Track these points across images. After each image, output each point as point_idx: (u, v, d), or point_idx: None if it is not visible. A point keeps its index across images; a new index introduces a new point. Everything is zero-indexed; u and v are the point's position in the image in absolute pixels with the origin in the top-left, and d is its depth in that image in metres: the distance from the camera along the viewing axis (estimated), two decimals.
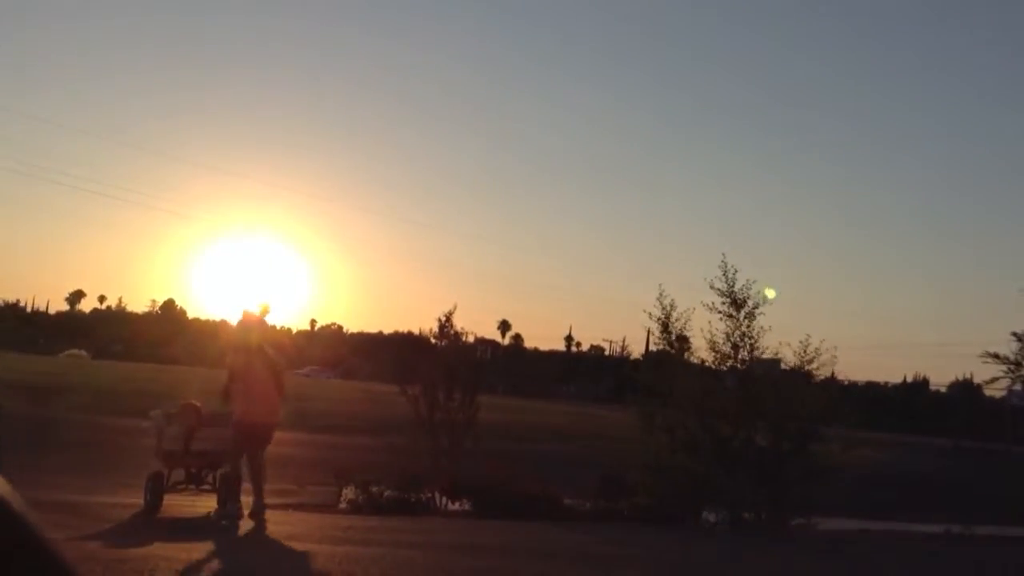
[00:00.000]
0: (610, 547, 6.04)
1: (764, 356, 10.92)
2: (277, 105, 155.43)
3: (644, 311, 11.16)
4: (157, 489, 7.68)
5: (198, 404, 8.44)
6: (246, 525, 7.01)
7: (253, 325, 7.92)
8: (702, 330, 10.90)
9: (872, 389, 72.22)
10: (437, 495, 9.74)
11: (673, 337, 11.14)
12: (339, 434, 18.42)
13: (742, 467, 9.92)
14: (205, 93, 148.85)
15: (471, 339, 12.75)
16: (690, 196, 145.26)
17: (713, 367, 10.96)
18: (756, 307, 10.57)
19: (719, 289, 10.61)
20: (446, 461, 10.29)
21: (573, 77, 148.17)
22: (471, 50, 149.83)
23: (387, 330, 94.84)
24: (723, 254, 10.67)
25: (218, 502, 7.50)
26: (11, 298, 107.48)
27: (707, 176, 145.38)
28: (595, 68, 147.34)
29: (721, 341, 10.64)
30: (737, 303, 10.56)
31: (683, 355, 11.36)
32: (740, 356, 10.64)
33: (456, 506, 9.53)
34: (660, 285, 11.41)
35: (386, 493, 9.50)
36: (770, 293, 10.77)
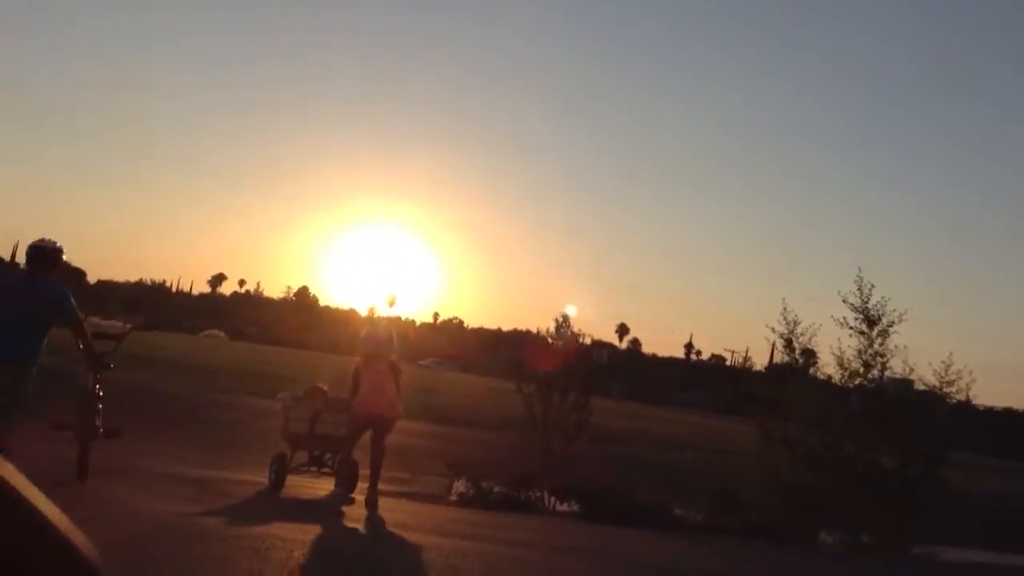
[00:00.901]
0: (718, 562, 5.90)
1: (895, 376, 10.46)
2: (413, 99, 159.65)
3: (767, 325, 10.88)
4: (281, 469, 7.98)
5: (325, 388, 8.73)
6: (358, 511, 7.23)
7: (380, 335, 8.16)
8: (830, 346, 10.55)
9: (1010, 416, 67.68)
10: (546, 495, 9.78)
11: (797, 352, 10.81)
12: (454, 426, 18.73)
13: (864, 489, 9.52)
14: (341, 87, 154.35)
15: (588, 341, 12.70)
16: (822, 206, 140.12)
17: (839, 384, 10.60)
18: (891, 325, 10.16)
19: (852, 304, 10.26)
20: (557, 462, 10.31)
21: (705, 80, 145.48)
22: (604, 52, 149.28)
23: (506, 327, 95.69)
24: (859, 269, 10.31)
25: (335, 483, 7.78)
26: (158, 278, 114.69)
27: (840, 185, 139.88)
28: (727, 72, 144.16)
29: (851, 358, 10.28)
30: (871, 320, 10.22)
31: (808, 370, 11.01)
32: (870, 375, 10.24)
33: (564, 507, 9.53)
34: (784, 299, 11.14)
35: (496, 489, 9.61)
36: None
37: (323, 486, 8.04)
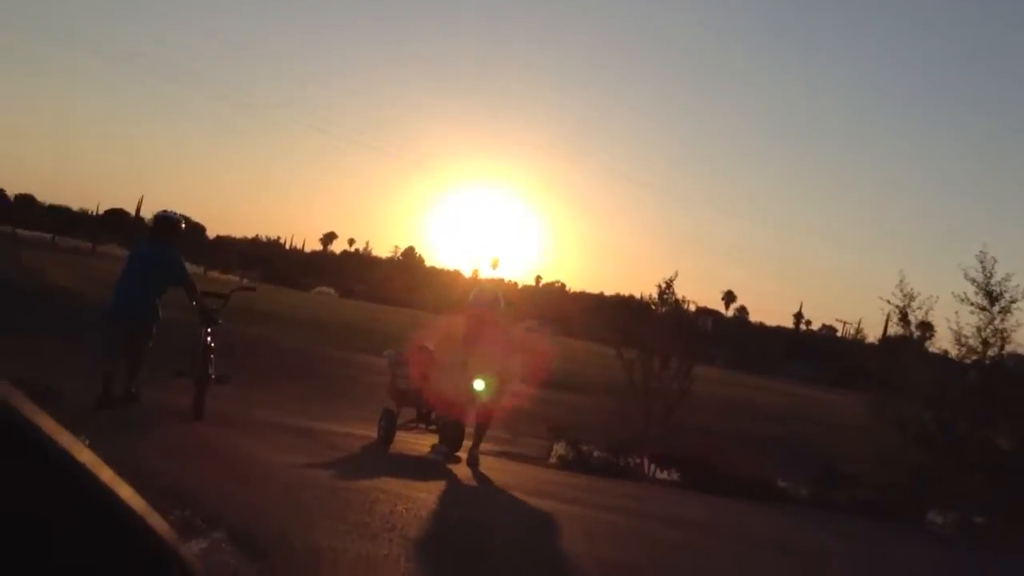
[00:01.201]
0: (820, 539, 5.77)
1: (1016, 351, 10.02)
2: (524, 61, 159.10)
3: (880, 297, 10.49)
4: (390, 425, 8.16)
5: (431, 347, 8.82)
6: (463, 470, 7.38)
7: (487, 297, 8.24)
8: (947, 320, 10.11)
9: None
10: (645, 462, 9.75)
11: (913, 325, 10.40)
12: (555, 390, 18.82)
13: (978, 469, 9.13)
14: (455, 47, 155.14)
15: (692, 308, 12.50)
16: (944, 175, 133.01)
17: (956, 360, 10.18)
18: (1013, 301, 9.68)
19: (974, 279, 9.80)
20: (656, 429, 10.25)
21: (817, 46, 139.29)
22: (712, 13, 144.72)
23: (608, 292, 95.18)
24: (983, 244, 9.86)
25: (439, 440, 7.94)
26: (273, 235, 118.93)
27: (964, 155, 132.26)
28: (838, 37, 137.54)
29: (970, 335, 9.84)
30: (992, 296, 9.76)
31: (923, 345, 10.58)
32: (988, 352, 9.79)
33: (664, 475, 9.49)
34: (901, 271, 10.74)
35: (595, 453, 9.64)
36: None
37: (428, 443, 8.21)
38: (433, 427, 8.33)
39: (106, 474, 0.35)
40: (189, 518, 4.00)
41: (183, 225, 7.60)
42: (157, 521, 0.37)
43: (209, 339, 7.38)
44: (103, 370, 7.03)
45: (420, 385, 8.32)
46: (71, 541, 0.33)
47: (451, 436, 8.02)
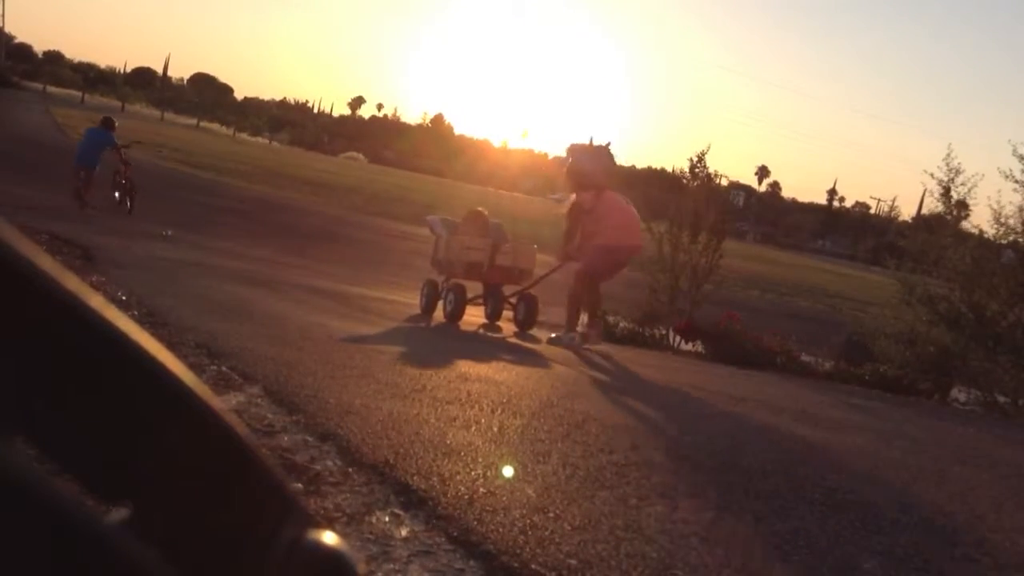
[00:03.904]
0: (842, 411, 5.85)
1: None
2: None
3: (925, 171, 10.19)
4: (432, 295, 7.95)
5: (485, 212, 8.42)
6: (496, 340, 7.50)
7: (600, 154, 7.70)
8: (988, 198, 9.86)
9: None
10: (671, 333, 9.85)
11: (952, 203, 10.16)
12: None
13: (1005, 350, 9.11)
14: None
15: (724, 183, 12.29)
16: (989, 47, 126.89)
17: (993, 239, 9.97)
18: None
19: (1022, 156, 9.44)
20: (684, 302, 10.30)
21: None
22: None
23: (640, 164, 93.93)
24: None
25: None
26: (301, 99, 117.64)
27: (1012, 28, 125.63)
28: None
29: (1011, 214, 9.59)
30: None
31: (959, 223, 10.37)
32: None
33: (688, 347, 9.60)
34: (949, 144, 10.40)
35: (621, 324, 9.74)
36: None
37: (475, 319, 8.06)
38: (478, 302, 7.97)
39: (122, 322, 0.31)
40: (226, 373, 4.12)
41: (115, 123, 14.87)
42: (200, 386, 0.34)
43: (124, 165, 14.69)
44: (73, 185, 14.11)
45: (495, 257, 7.77)
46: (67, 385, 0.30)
47: (530, 311, 7.83)
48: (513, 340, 7.42)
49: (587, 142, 8.26)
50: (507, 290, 8.09)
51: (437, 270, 8.14)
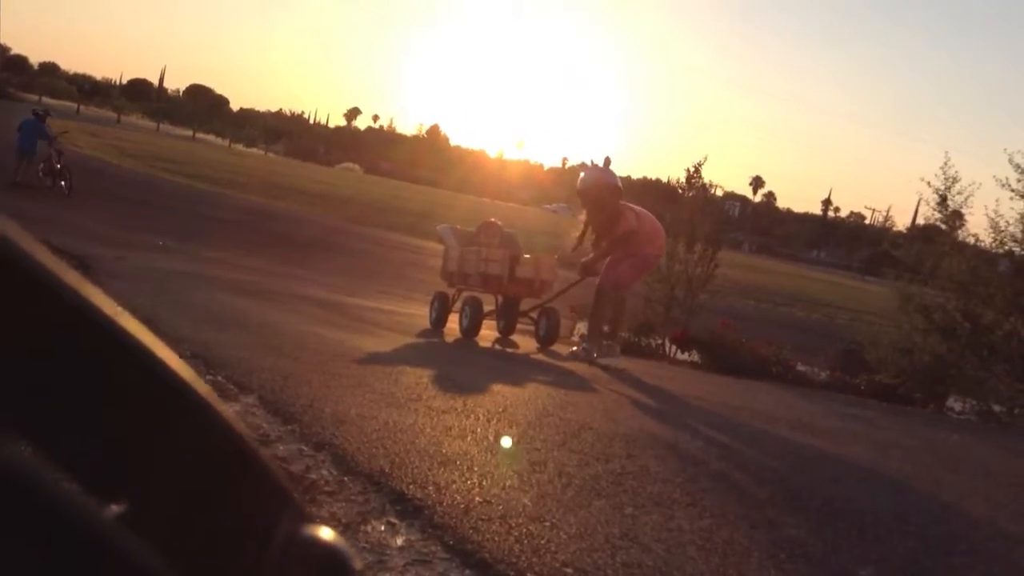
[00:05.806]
0: (838, 420, 5.86)
1: None
2: None
3: (922, 179, 10.22)
4: (442, 308, 7.70)
5: (499, 223, 8.17)
6: (493, 348, 7.48)
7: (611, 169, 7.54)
8: (985, 206, 9.88)
9: None
10: (666, 343, 9.85)
11: (948, 212, 10.18)
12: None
13: (1000, 359, 9.12)
14: None
15: (719, 193, 12.33)
16: (983, 55, 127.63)
17: (989, 249, 9.99)
18: None
19: (1019, 165, 9.47)
20: (679, 312, 10.31)
21: None
22: None
23: (636, 175, 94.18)
24: None
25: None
26: (297, 110, 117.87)
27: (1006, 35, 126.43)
28: None
29: (1009, 223, 9.61)
30: None
31: (954, 232, 10.40)
32: None
33: (684, 356, 9.60)
34: (946, 153, 10.44)
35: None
36: None
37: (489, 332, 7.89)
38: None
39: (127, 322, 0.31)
40: (221, 383, 4.12)
41: (48, 116, 17.81)
42: (199, 384, 0.34)
43: (55, 153, 17.20)
44: (13, 167, 16.58)
45: (515, 271, 7.46)
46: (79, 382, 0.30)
47: (552, 326, 7.57)
48: (525, 354, 7.38)
49: (589, 162, 8.13)
50: (523, 304, 7.84)
51: (448, 282, 7.86)
